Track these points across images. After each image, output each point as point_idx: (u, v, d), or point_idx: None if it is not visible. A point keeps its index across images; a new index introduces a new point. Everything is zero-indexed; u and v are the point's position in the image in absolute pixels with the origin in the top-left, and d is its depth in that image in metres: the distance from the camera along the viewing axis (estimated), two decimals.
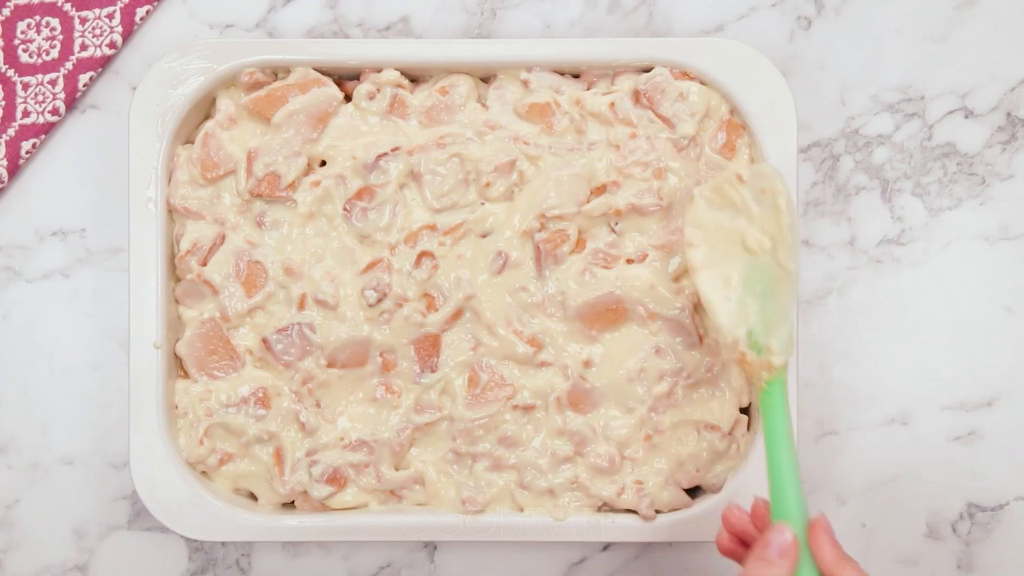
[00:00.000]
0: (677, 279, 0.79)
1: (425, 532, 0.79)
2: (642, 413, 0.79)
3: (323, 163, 0.80)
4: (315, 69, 0.80)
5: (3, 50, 0.84)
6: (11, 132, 0.83)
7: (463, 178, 0.79)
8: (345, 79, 0.81)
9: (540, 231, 0.79)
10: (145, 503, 0.79)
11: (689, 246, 0.73)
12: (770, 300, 0.71)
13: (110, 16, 0.84)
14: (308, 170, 0.80)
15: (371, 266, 0.79)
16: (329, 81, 0.80)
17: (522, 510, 0.80)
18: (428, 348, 0.79)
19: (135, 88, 0.82)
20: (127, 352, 0.80)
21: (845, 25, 0.85)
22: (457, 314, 0.79)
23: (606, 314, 0.79)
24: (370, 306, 0.78)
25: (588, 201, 0.78)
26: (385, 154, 0.78)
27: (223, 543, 0.85)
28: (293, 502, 0.81)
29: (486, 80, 0.81)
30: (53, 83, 0.83)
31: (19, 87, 0.84)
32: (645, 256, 0.79)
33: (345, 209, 0.79)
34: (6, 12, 0.84)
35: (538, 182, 0.78)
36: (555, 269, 0.79)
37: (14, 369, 0.85)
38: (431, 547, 0.85)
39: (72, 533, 0.85)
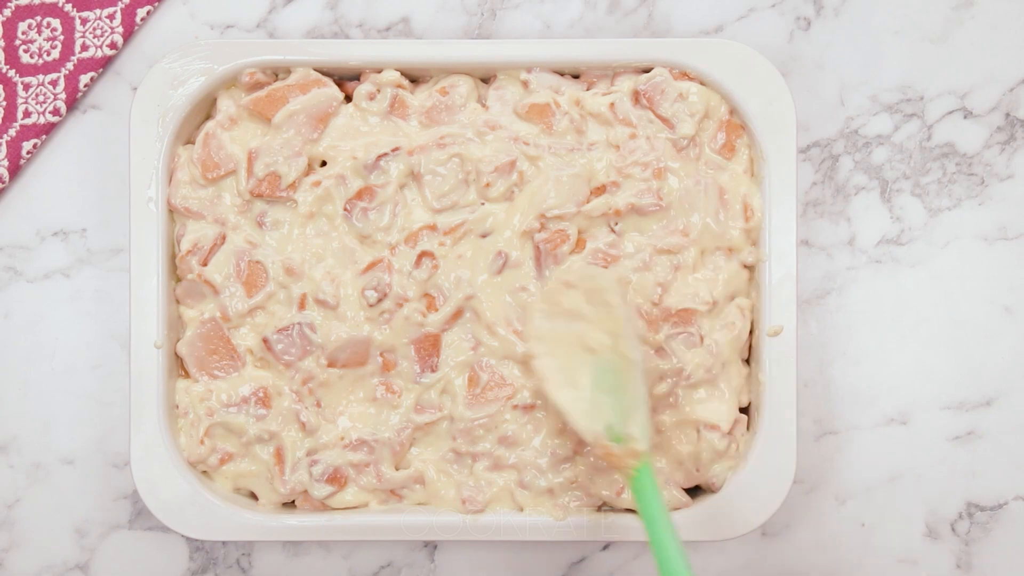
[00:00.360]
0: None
1: (425, 532, 0.79)
2: None
3: (323, 163, 0.80)
4: (315, 70, 0.80)
5: (4, 50, 0.84)
6: (12, 132, 0.83)
7: (463, 178, 0.79)
8: (345, 79, 0.81)
9: (540, 231, 0.79)
10: (146, 502, 0.79)
11: (533, 358, 0.74)
12: (621, 392, 0.72)
13: (111, 17, 0.84)
14: (308, 170, 0.80)
15: (371, 266, 0.79)
16: (329, 81, 0.80)
17: (522, 510, 0.80)
18: (428, 348, 0.79)
19: (136, 88, 0.82)
20: (128, 352, 0.80)
21: (844, 26, 0.85)
22: (457, 314, 0.79)
23: None
24: (370, 306, 0.79)
25: (588, 201, 0.79)
26: (385, 154, 0.79)
27: (224, 542, 0.85)
28: (294, 501, 0.81)
29: (486, 80, 0.81)
30: (54, 83, 0.84)
31: (20, 87, 0.84)
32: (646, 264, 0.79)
33: (345, 209, 0.79)
34: (7, 13, 0.84)
35: (538, 182, 0.79)
36: (555, 269, 0.79)
37: (15, 369, 0.85)
38: (431, 546, 0.86)
39: (73, 532, 0.85)
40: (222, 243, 0.79)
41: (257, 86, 0.80)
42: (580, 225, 0.79)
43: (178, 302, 0.80)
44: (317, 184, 0.79)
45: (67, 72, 0.84)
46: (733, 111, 0.80)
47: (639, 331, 0.74)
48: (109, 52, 0.84)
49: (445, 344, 0.79)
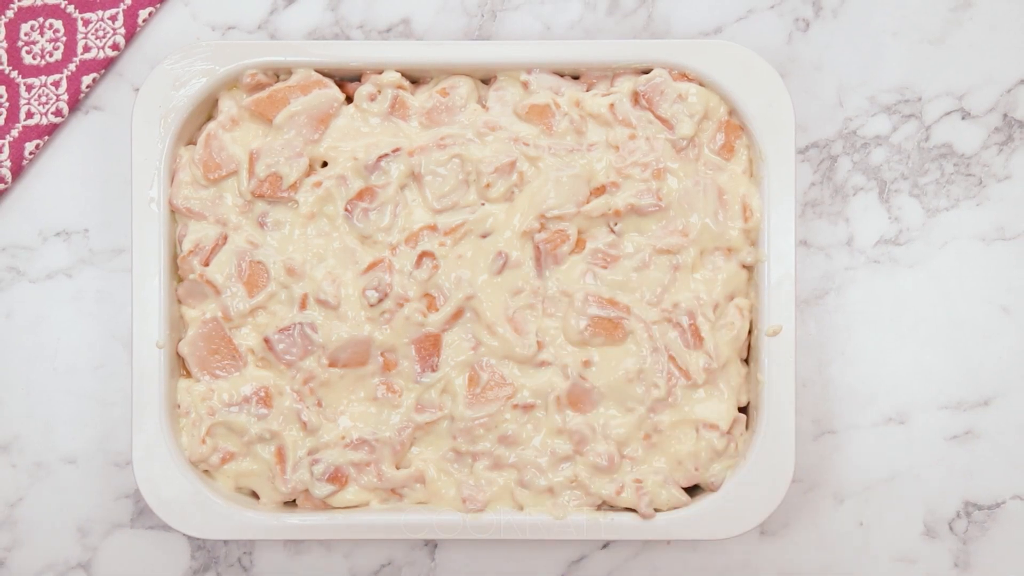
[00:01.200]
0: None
1: (426, 530, 0.79)
2: (641, 413, 0.79)
3: (324, 164, 0.80)
4: (316, 71, 0.80)
5: (7, 52, 0.84)
6: (15, 133, 0.84)
7: (463, 179, 0.79)
8: (346, 80, 0.81)
9: (540, 231, 0.79)
10: (148, 502, 0.79)
11: None
12: None
13: (113, 18, 0.84)
14: (309, 171, 0.80)
15: (372, 266, 0.79)
16: (330, 82, 0.80)
17: (522, 509, 0.80)
18: (429, 348, 0.80)
19: (138, 89, 0.82)
20: (130, 352, 0.80)
21: (843, 27, 0.85)
22: (457, 314, 0.79)
23: (607, 324, 0.79)
24: (371, 306, 0.79)
25: (588, 201, 0.79)
26: (386, 155, 0.79)
27: (225, 541, 0.86)
28: (295, 501, 0.81)
29: (486, 81, 0.82)
30: (56, 84, 0.84)
31: (23, 88, 0.84)
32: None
33: (346, 210, 0.79)
34: (9, 14, 0.84)
35: (538, 183, 0.79)
36: (555, 269, 0.79)
37: (18, 368, 0.85)
38: (432, 545, 0.86)
39: (75, 531, 0.85)
40: (223, 243, 0.80)
41: (258, 87, 0.80)
42: (580, 225, 0.79)
43: (180, 302, 0.81)
44: (318, 185, 0.79)
45: (69, 73, 0.84)
46: (732, 112, 0.80)
47: None
48: (111, 53, 0.84)
49: (445, 344, 0.80)
